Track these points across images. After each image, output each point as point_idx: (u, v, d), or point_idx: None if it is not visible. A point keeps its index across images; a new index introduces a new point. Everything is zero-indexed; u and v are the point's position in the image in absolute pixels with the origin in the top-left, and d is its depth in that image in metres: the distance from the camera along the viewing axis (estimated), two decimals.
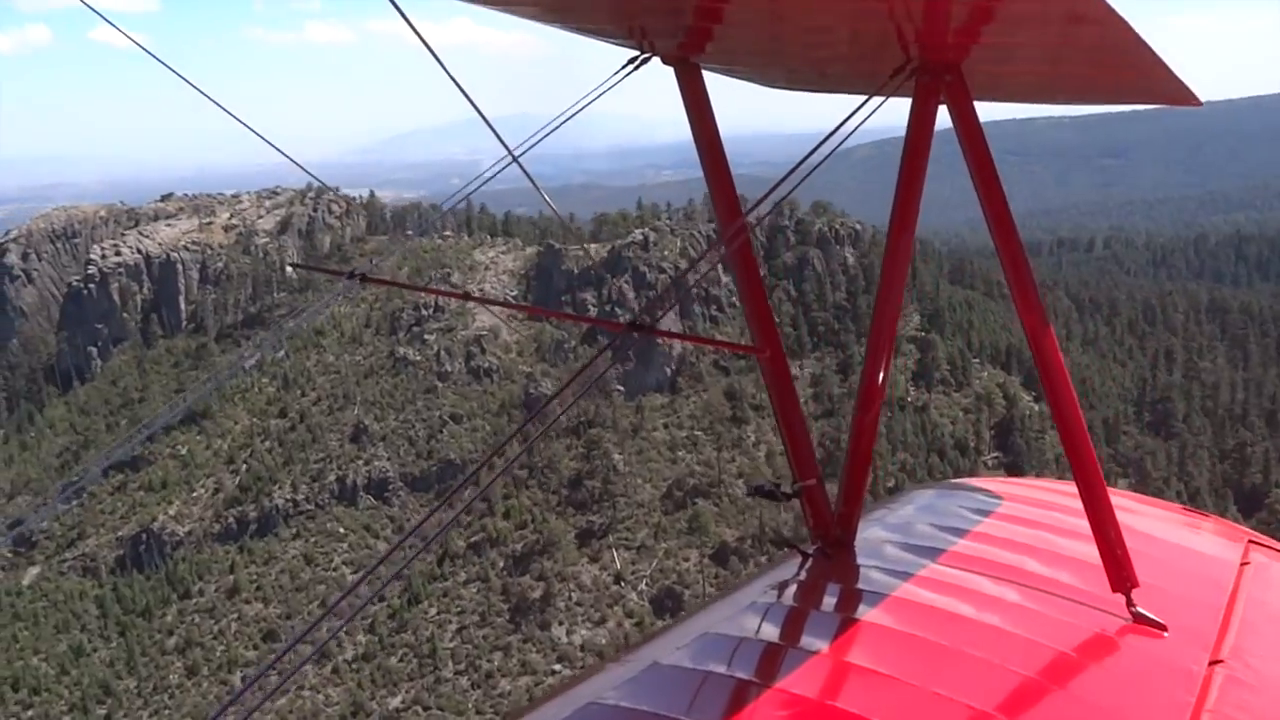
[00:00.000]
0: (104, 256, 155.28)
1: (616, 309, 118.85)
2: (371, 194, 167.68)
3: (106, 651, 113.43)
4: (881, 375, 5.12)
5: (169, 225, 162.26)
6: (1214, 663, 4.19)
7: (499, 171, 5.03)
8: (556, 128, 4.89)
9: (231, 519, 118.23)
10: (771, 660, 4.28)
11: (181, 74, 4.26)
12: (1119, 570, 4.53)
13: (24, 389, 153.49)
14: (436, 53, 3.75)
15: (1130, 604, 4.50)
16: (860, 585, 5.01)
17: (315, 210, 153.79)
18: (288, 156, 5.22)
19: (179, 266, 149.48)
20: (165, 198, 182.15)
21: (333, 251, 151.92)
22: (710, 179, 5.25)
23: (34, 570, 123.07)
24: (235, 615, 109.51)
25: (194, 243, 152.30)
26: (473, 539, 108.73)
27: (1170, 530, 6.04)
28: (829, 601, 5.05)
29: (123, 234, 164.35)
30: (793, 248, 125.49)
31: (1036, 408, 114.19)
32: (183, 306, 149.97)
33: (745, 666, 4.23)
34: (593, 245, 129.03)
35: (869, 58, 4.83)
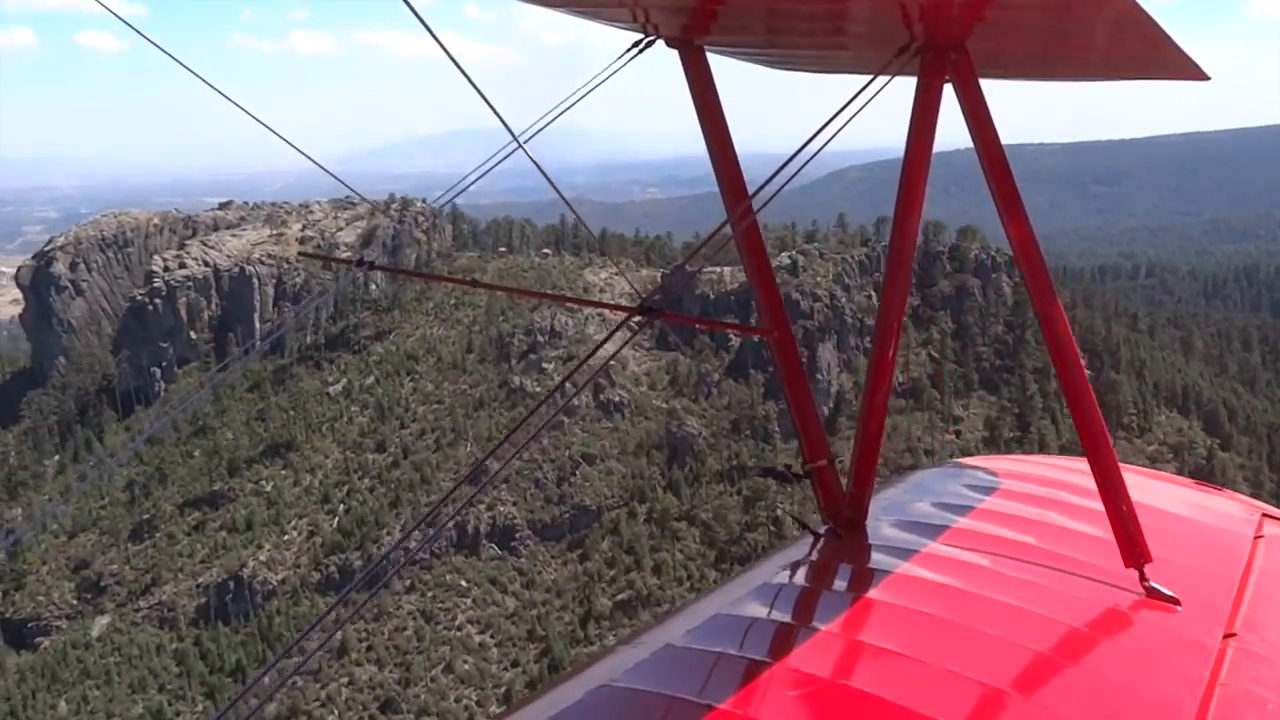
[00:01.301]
0: (167, 268, 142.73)
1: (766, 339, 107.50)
2: (454, 206, 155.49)
3: (191, 716, 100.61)
4: (891, 357, 5.04)
5: (235, 236, 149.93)
6: (1228, 636, 4.13)
7: (504, 159, 4.86)
8: (562, 112, 4.82)
9: (333, 567, 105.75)
10: (784, 640, 4.23)
11: (207, 79, 4.18)
12: (1132, 545, 4.49)
13: (75, 412, 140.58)
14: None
15: (1143, 579, 4.45)
16: (872, 565, 4.91)
17: (401, 223, 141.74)
18: (316, 163, 5.12)
19: (254, 281, 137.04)
20: (224, 205, 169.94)
21: (420, 268, 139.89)
22: (716, 161, 5.09)
23: (103, 620, 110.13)
24: (346, 679, 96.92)
25: (269, 256, 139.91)
26: (618, 596, 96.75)
27: (1183, 505, 5.98)
28: (841, 581, 4.97)
29: (183, 244, 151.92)
30: (949, 275, 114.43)
31: (1234, 458, 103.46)
32: (257, 325, 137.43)
33: (758, 647, 4.19)
34: (725, 268, 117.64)
35: (873, 37, 4.79)
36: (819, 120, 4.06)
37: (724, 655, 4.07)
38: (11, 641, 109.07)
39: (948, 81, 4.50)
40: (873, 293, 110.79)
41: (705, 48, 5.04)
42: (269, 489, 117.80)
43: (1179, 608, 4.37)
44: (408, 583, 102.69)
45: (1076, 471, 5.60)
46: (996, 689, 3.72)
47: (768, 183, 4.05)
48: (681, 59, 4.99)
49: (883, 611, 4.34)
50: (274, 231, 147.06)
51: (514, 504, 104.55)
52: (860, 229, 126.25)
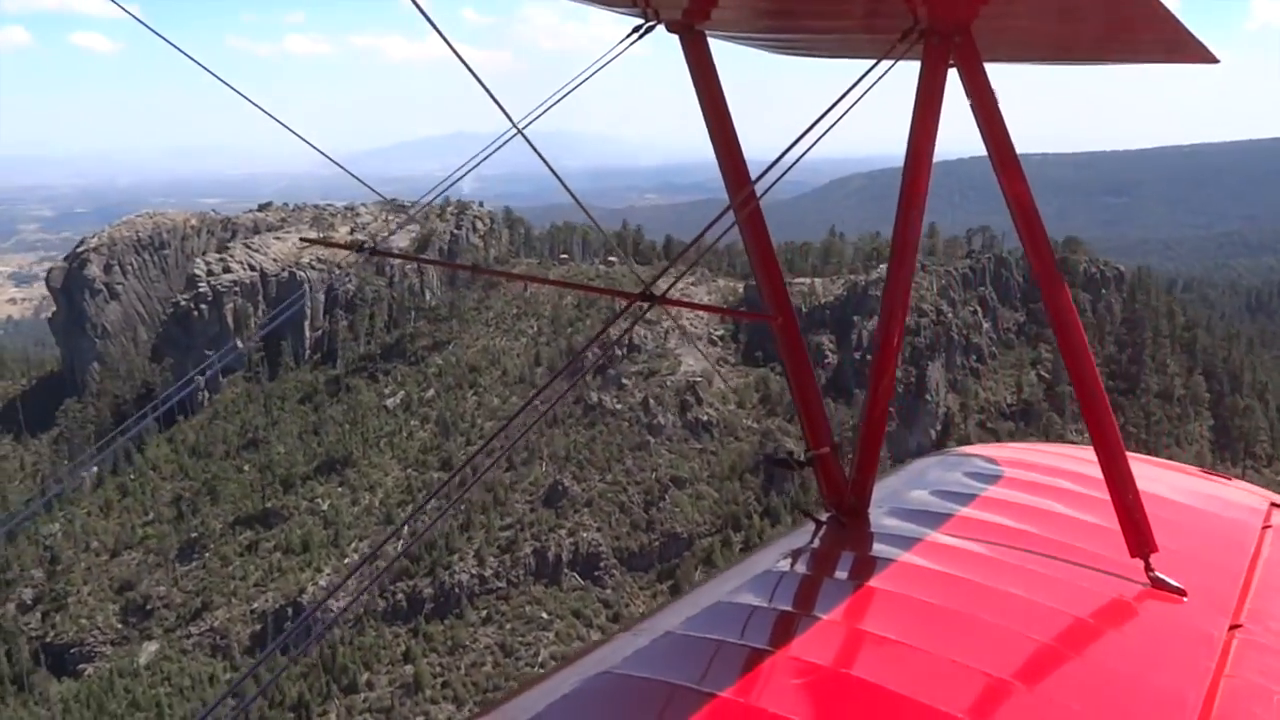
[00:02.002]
0: (210, 272, 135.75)
1: (869, 358, 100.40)
2: (507, 210, 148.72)
3: None
4: (895, 342, 5.02)
5: (279, 239, 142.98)
6: (1234, 627, 4.11)
7: (504, 144, 4.82)
8: (560, 99, 4.76)
9: (401, 594, 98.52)
10: (785, 628, 4.19)
11: (221, 77, 4.17)
12: (1138, 535, 4.46)
13: (110, 421, 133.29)
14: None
15: (1149, 569, 4.41)
16: (874, 553, 4.89)
17: (459, 227, 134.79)
18: (339, 162, 5.24)
19: (306, 287, 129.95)
20: (263, 207, 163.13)
21: (480, 277, 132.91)
22: (718, 148, 5.07)
23: (151, 646, 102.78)
24: (420, 719, 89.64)
25: (319, 260, 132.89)
26: None
27: (1191, 494, 5.94)
28: (843, 569, 4.93)
29: (224, 246, 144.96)
30: None
31: None
32: (307, 332, 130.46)
33: (758, 635, 4.16)
34: (816, 279, 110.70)
35: (876, 21, 4.75)
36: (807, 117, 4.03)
37: (724, 643, 4.03)
38: (53, 668, 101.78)
39: (952, 66, 4.42)
40: (978, 307, 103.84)
41: (706, 32, 4.95)
42: (325, 507, 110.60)
43: (1185, 598, 4.30)
44: (484, 613, 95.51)
45: (1083, 460, 5.56)
46: (999, 679, 3.66)
47: (770, 168, 4.11)
48: (682, 44, 4.91)
49: (884, 600, 4.28)
50: (321, 234, 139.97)
51: (598, 530, 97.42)
52: (958, 239, 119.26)
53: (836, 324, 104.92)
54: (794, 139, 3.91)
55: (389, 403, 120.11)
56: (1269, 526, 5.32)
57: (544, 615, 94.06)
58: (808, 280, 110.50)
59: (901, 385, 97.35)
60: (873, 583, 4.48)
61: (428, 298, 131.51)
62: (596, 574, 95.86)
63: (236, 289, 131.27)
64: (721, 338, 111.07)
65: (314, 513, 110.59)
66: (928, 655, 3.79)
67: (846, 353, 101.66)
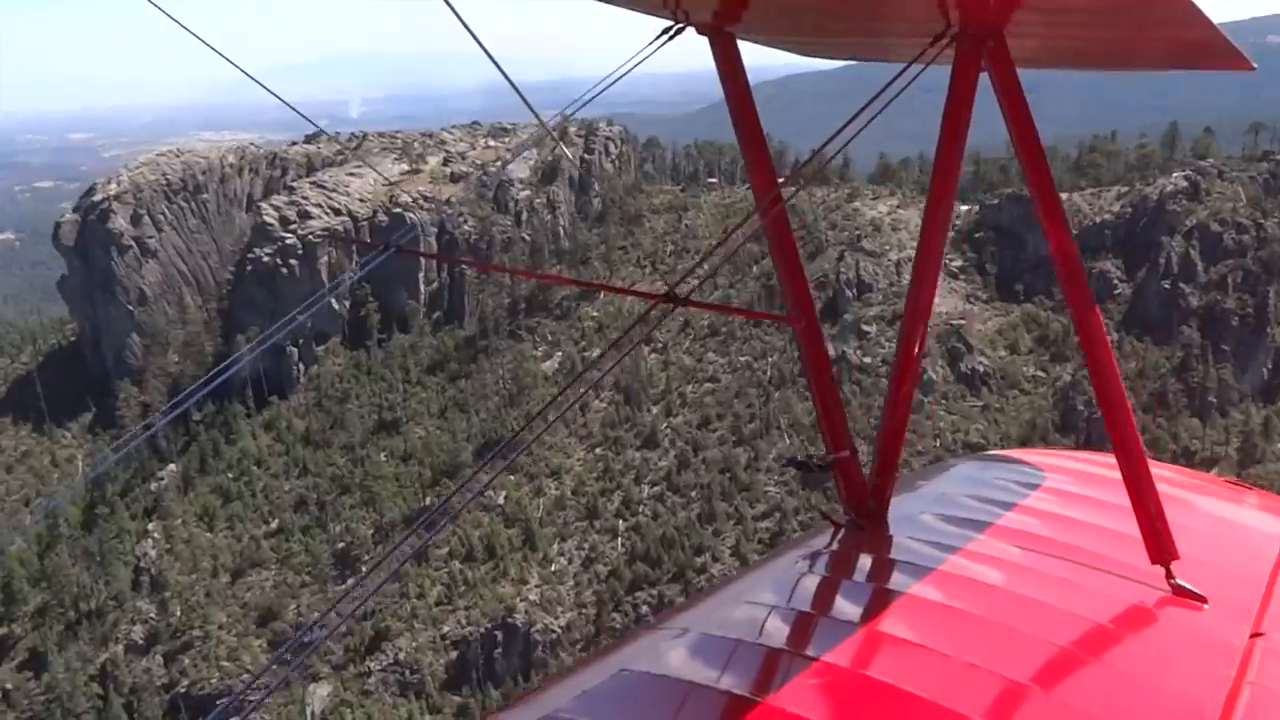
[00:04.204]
0: (285, 219, 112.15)
1: (1183, 287, 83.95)
2: (624, 130, 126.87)
3: None
4: (918, 348, 4.97)
5: (353, 174, 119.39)
6: (1255, 635, 4.07)
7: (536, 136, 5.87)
8: (593, 98, 4.66)
9: (644, 605, 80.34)
10: (803, 629, 4.20)
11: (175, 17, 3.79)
12: (1159, 542, 4.42)
13: (158, 403, 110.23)
14: None
15: (1170, 576, 4.37)
16: (893, 555, 4.89)
17: (589, 151, 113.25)
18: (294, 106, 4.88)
19: (417, 229, 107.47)
20: (311, 138, 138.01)
21: (610, 206, 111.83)
22: (746, 149, 5.01)
23: (322, 690, 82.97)
24: None
25: (424, 197, 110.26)
26: None
27: (1213, 503, 5.94)
28: (861, 571, 4.93)
29: (289, 187, 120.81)
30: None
31: None
32: (422, 286, 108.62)
33: (777, 635, 4.17)
34: (1073, 194, 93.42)
35: (907, 24, 4.69)
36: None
37: (742, 642, 4.02)
38: None
39: (984, 70, 4.39)
40: None
41: (736, 35, 4.90)
42: (501, 501, 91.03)
43: (1205, 606, 4.26)
44: None
45: (1104, 466, 5.48)
46: (1017, 683, 3.63)
47: (797, 171, 3.97)
48: (711, 46, 4.84)
49: (902, 603, 4.24)
50: (410, 167, 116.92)
51: None
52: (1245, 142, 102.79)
53: (1121, 245, 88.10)
54: (822, 142, 3.83)
55: (545, 367, 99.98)
56: None
57: None
58: (1064, 195, 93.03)
59: (1236, 318, 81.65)
60: (890, 585, 4.46)
61: (561, 239, 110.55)
62: None
63: (328, 237, 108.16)
64: (963, 269, 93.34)
65: (488, 508, 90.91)
66: (945, 658, 3.75)
67: (1149, 280, 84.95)
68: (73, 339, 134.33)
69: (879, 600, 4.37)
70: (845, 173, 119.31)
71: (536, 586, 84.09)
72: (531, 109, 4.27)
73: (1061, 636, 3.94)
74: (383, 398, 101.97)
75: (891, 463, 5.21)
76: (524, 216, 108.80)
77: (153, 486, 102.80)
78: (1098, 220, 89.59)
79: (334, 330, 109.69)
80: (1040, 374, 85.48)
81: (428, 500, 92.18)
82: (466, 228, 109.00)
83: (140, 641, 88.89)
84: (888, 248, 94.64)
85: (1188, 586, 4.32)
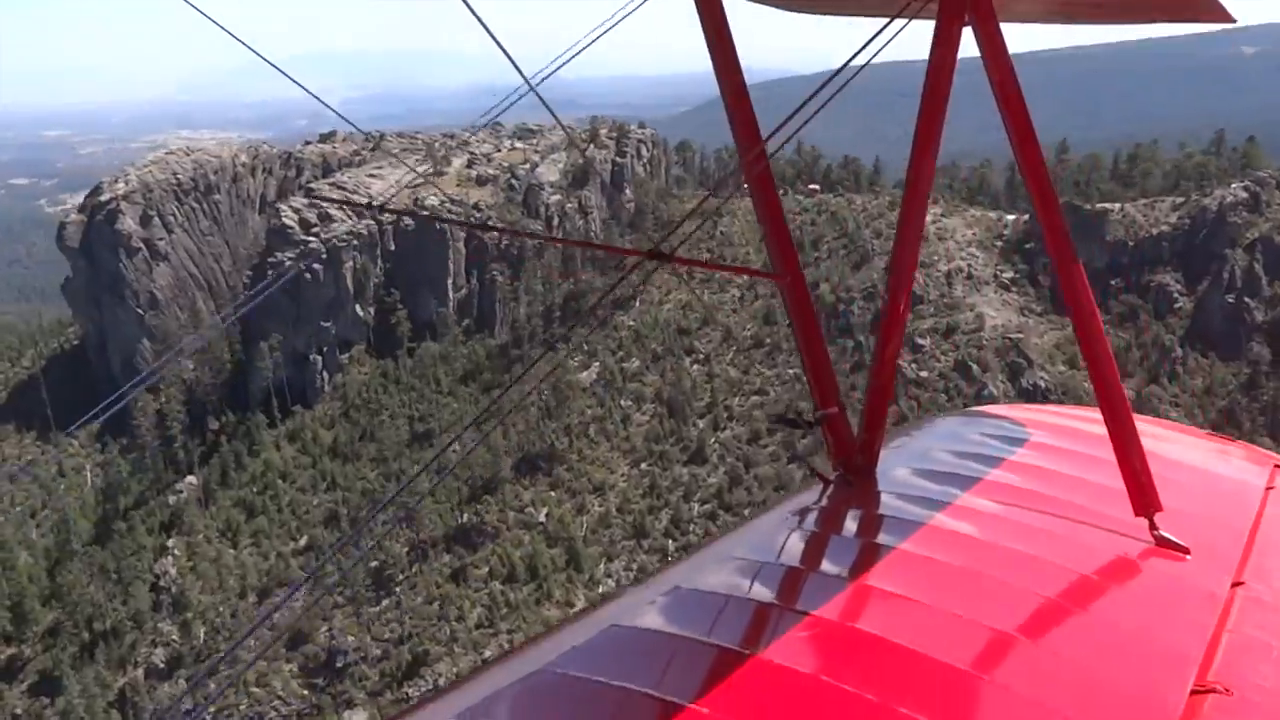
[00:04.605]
0: (304, 221, 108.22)
1: (1248, 301, 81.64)
2: (651, 133, 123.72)
3: None
4: (902, 309, 5.04)
5: (373, 175, 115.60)
6: (1236, 584, 4.15)
7: (518, 99, 4.79)
8: (575, 55, 4.81)
9: None
10: (792, 584, 4.26)
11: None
12: (1142, 494, 4.50)
13: (181, 416, 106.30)
14: None
15: (1153, 528, 4.45)
16: (881, 511, 4.93)
17: (622, 155, 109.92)
18: (321, 99, 4.82)
19: (446, 234, 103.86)
20: (326, 137, 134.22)
21: (645, 213, 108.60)
22: (730, 106, 4.97)
23: (358, 717, 79.25)
24: None
25: (452, 201, 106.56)
26: None
27: (1196, 455, 5.96)
28: (850, 527, 4.99)
29: (307, 188, 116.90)
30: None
31: None
32: (450, 292, 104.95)
33: (766, 590, 4.18)
34: (1125, 205, 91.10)
35: None
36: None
37: (733, 597, 4.04)
38: None
39: (967, 25, 4.40)
40: None
41: None
42: (543, 518, 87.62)
43: (1188, 556, 4.33)
44: None
45: (1090, 420, 5.52)
46: (1005, 633, 3.70)
47: (780, 128, 4.10)
48: (696, 3, 4.83)
49: (891, 556, 4.27)
50: (437, 169, 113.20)
51: None
52: None
53: (1179, 257, 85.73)
54: (804, 100, 3.85)
55: (583, 377, 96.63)
56: (1272, 487, 5.30)
57: None
58: (1115, 205, 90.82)
59: None
60: (879, 540, 4.50)
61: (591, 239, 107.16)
62: None
63: (354, 242, 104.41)
64: (1014, 280, 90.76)
65: (528, 526, 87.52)
66: (932, 610, 3.80)
67: (1211, 293, 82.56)
68: (75, 343, 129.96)
69: (867, 555, 4.37)
70: (876, 179, 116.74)
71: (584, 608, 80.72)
72: (555, 115, 4.26)
73: (1046, 588, 3.98)
74: (413, 408, 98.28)
75: (879, 420, 5.20)
76: (555, 221, 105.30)
77: (170, 500, 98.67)
78: (1154, 232, 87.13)
79: (358, 338, 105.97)
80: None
81: (466, 518, 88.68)
82: (495, 232, 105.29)
83: (162, 665, 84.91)
84: (935, 258, 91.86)
85: (1170, 538, 4.36)
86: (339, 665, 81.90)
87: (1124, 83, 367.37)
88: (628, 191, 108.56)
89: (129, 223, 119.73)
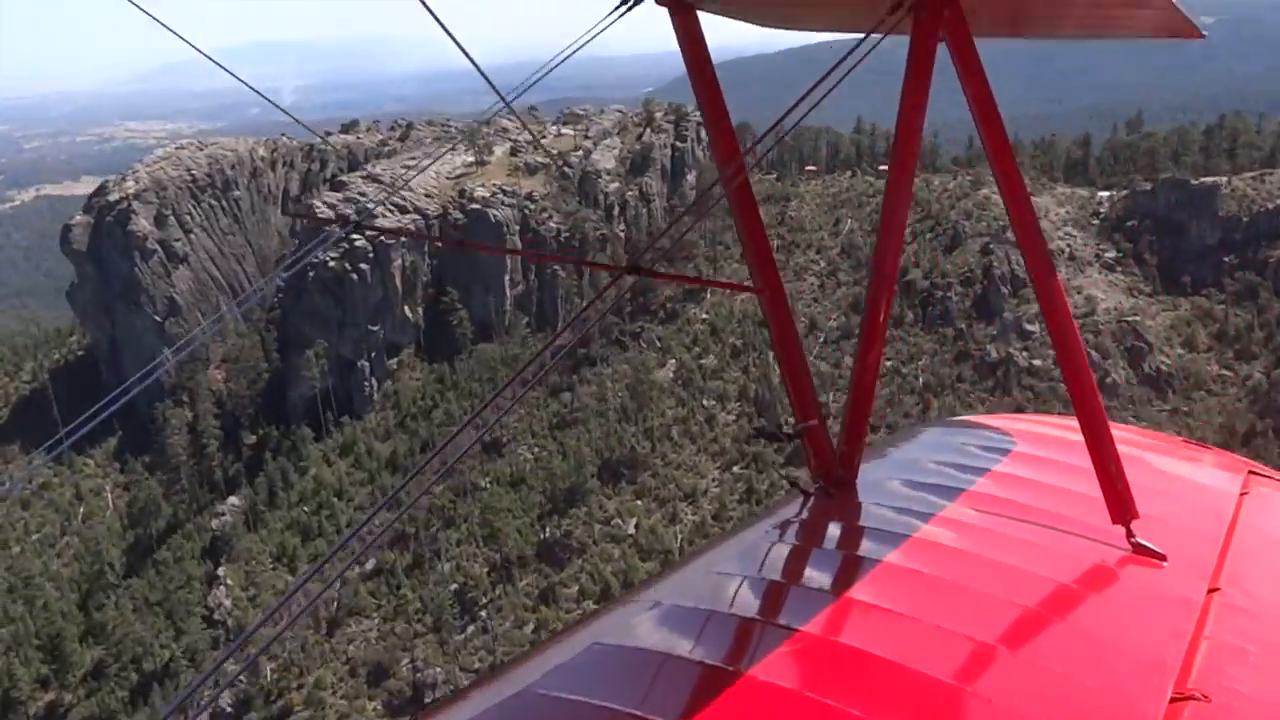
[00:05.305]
0: (340, 217, 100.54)
1: None
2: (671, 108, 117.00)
3: None
4: (883, 316, 5.03)
5: (408, 166, 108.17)
6: (1212, 591, 4.17)
7: (522, 92, 4.72)
8: (555, 67, 4.68)
9: None
10: (773, 597, 4.25)
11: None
12: (1119, 502, 4.51)
13: (216, 431, 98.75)
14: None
15: (1130, 535, 4.46)
16: (862, 522, 4.97)
17: (681, 140, 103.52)
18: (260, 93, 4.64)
19: (501, 228, 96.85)
20: (348, 127, 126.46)
21: (701, 202, 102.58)
22: (708, 120, 5.08)
23: None
24: None
25: (504, 191, 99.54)
26: None
27: (1171, 463, 6.02)
28: (830, 539, 4.99)
29: (332, 178, 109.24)
30: None
31: None
32: (507, 290, 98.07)
33: (747, 604, 4.22)
34: (1232, 178, 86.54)
35: None
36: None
37: (714, 613, 4.05)
38: None
39: (941, 40, 4.43)
40: None
41: (695, 7, 4.92)
42: (632, 529, 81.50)
43: (1165, 563, 4.36)
44: None
45: (1067, 429, 5.56)
46: (984, 643, 3.71)
47: (758, 141, 4.14)
48: (672, 18, 4.86)
49: (871, 568, 4.29)
50: (479, 158, 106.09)
51: None
52: None
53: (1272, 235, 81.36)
54: (783, 111, 3.90)
55: (657, 376, 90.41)
56: (1246, 494, 5.33)
57: None
58: (1223, 179, 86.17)
59: None
60: (859, 552, 4.53)
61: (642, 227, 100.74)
62: None
63: (401, 241, 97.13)
64: (1119, 260, 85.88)
65: (616, 539, 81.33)
66: (912, 621, 3.81)
67: None
68: (80, 353, 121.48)
69: (848, 568, 4.38)
70: (933, 152, 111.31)
71: None
72: (495, 88, 4.30)
73: (1026, 598, 4.00)
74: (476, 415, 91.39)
75: (859, 431, 5.19)
76: (616, 210, 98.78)
77: (213, 524, 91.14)
78: (1270, 206, 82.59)
79: (407, 340, 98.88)
80: (1226, 373, 78.26)
81: (547, 533, 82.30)
82: (552, 224, 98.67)
83: (228, 709, 77.67)
84: None
85: (1147, 545, 4.38)
86: (427, 700, 75.24)
87: (1084, 57, 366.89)
88: (689, 177, 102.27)
89: (142, 223, 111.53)
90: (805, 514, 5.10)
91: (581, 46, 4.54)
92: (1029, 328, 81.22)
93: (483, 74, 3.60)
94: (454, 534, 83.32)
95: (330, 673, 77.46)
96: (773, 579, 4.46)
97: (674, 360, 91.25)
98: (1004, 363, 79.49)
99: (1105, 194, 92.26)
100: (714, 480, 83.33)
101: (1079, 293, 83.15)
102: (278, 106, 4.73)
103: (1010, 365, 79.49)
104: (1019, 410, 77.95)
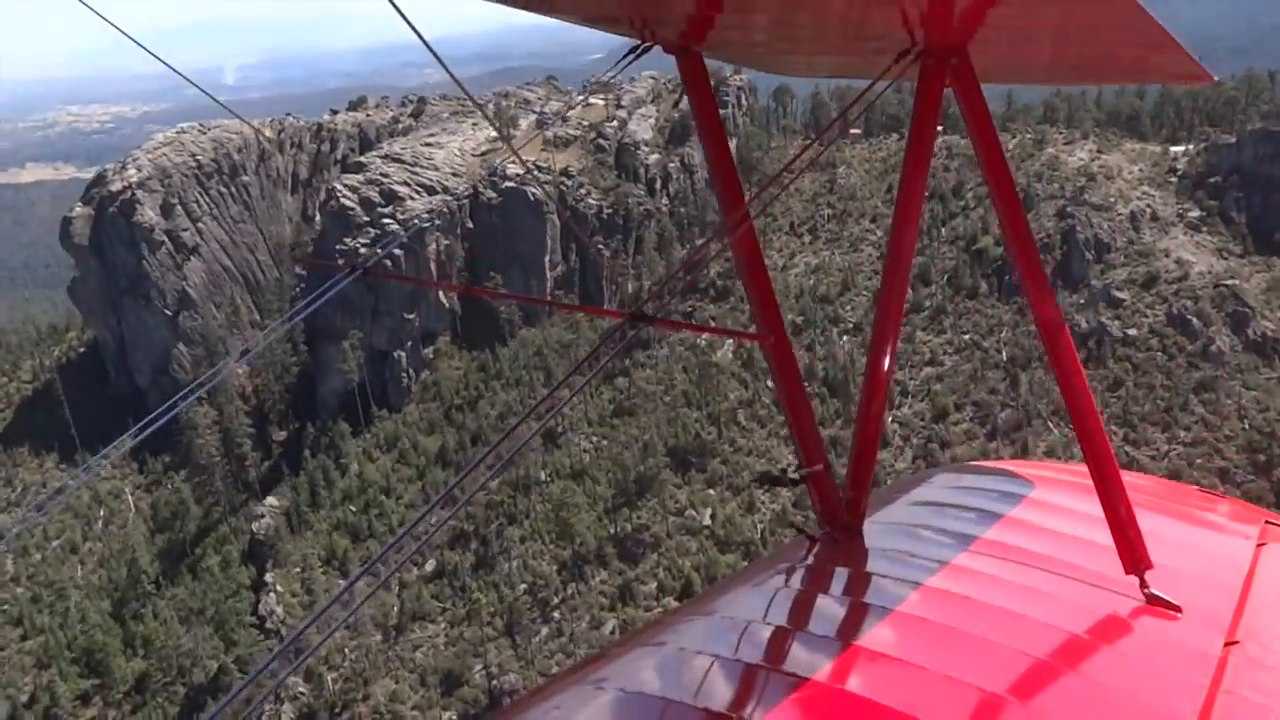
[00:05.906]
0: (366, 201, 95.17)
1: None
2: (750, 80, 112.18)
3: None
4: (887, 362, 4.89)
5: (429, 143, 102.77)
6: (1229, 644, 4.07)
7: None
8: (576, 105, 7.13)
9: None
10: (778, 644, 4.20)
11: None
12: (1132, 552, 4.40)
13: (248, 429, 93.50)
14: None
15: (1144, 585, 4.34)
16: (868, 569, 4.87)
17: (723, 107, 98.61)
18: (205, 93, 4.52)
19: (541, 206, 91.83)
20: (356, 104, 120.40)
21: (754, 169, 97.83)
22: (713, 167, 5.08)
23: None
24: None
25: (537, 168, 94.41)
26: None
27: (1186, 512, 5.93)
28: (836, 585, 4.88)
29: (358, 165, 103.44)
30: None
31: None
32: (547, 272, 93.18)
33: (752, 650, 4.15)
34: None
35: (872, 43, 4.73)
36: None
37: (719, 658, 4.00)
38: None
39: (948, 87, 4.42)
40: None
41: (703, 54, 4.93)
42: (708, 520, 77.53)
43: (1180, 614, 4.25)
44: None
45: (1078, 476, 5.47)
46: (994, 694, 3.62)
47: (763, 190, 3.60)
48: (679, 65, 4.84)
49: (878, 616, 4.23)
50: (506, 131, 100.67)
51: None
52: None
53: None
54: (789, 159, 4.90)
55: (717, 358, 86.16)
56: (1263, 544, 5.16)
57: None
58: None
59: None
60: (866, 599, 4.47)
61: (700, 207, 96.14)
62: None
63: (435, 220, 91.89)
64: (1204, 219, 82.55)
65: (692, 530, 77.33)
66: (921, 671, 3.74)
67: None
68: (82, 350, 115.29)
69: (854, 614, 4.33)
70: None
71: None
72: (479, 105, 4.45)
73: (1038, 648, 3.92)
74: (525, 405, 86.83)
75: (865, 476, 5.11)
76: (658, 184, 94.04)
77: (254, 526, 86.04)
78: None
79: (442, 328, 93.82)
80: None
81: (618, 527, 78.11)
82: (591, 200, 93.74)
83: None
84: (1112, 200, 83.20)
85: (1162, 596, 4.28)
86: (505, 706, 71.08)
87: None
88: (731, 146, 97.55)
89: (148, 213, 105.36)
90: (811, 560, 4.98)
91: (592, 92, 4.60)
92: (1119, 295, 77.79)
93: (430, 48, 3.32)
94: (517, 530, 78.88)
95: (394, 680, 73.08)
96: (779, 625, 4.37)
97: (730, 340, 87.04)
98: (1095, 333, 75.95)
99: (1178, 149, 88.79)
100: (790, 465, 79.27)
101: (1167, 255, 79.87)
102: (213, 97, 4.52)
103: (1105, 335, 76.00)
104: (1117, 384, 74.82)
